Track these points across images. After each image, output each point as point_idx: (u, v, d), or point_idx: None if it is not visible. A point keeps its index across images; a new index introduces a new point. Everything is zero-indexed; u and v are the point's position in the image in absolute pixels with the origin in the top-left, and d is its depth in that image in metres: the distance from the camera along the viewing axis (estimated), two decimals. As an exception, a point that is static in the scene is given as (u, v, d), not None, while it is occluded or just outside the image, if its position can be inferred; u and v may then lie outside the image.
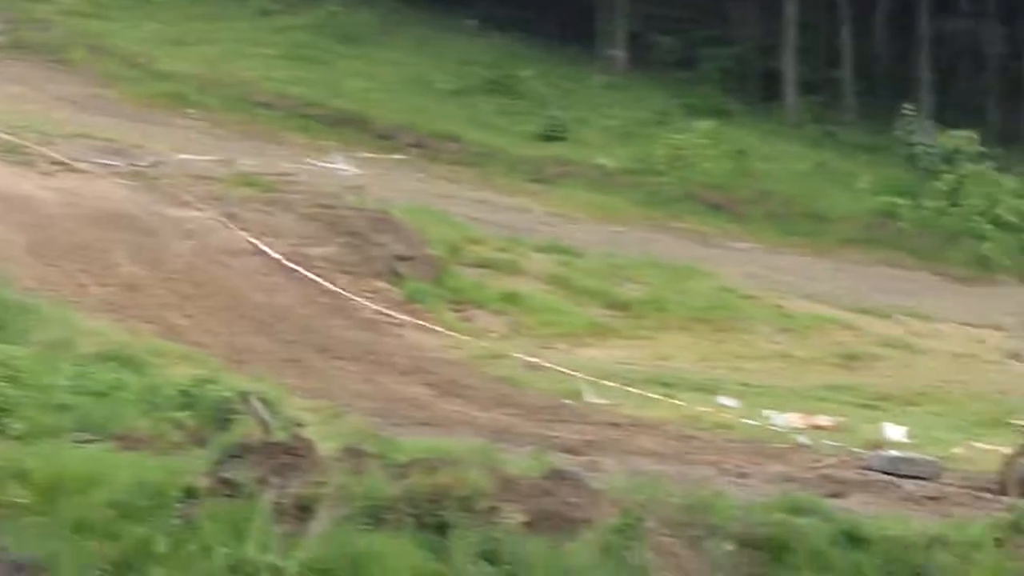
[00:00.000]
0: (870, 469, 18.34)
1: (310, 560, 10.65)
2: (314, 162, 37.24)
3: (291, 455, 12.07)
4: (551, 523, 11.72)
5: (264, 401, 14.16)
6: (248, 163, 34.13)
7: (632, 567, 11.33)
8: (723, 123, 44.28)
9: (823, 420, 21.61)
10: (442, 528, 11.10)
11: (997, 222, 40.61)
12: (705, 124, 43.02)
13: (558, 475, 12.64)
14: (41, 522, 11.37)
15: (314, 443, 12.36)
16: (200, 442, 13.09)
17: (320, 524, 11.19)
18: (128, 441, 13.12)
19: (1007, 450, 19.24)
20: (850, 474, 17.83)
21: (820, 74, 50.92)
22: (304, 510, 11.40)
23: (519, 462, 13.34)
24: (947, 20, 49.33)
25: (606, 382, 22.61)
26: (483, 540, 11.04)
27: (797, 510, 13.08)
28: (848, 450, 19.52)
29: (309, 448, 12.28)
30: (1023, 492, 17.24)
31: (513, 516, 11.57)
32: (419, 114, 43.49)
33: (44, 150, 31.85)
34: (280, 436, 12.88)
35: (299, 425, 14.20)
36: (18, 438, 12.74)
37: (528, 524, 11.59)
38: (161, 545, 11.15)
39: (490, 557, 10.93)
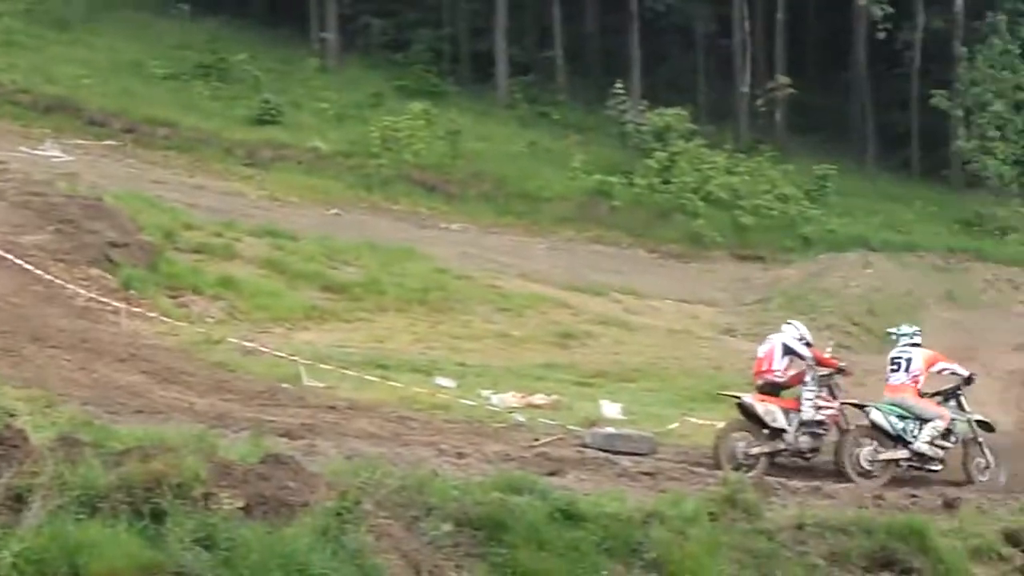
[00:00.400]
0: (587, 446, 18.38)
1: (24, 552, 10.14)
2: (26, 150, 36.21)
3: (3, 446, 11.54)
4: (268, 508, 11.44)
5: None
6: (-43, 152, 33.01)
7: (349, 550, 11.04)
8: (436, 105, 44.30)
9: (540, 399, 21.62)
10: (158, 516, 10.73)
11: (709, 199, 41.43)
12: (418, 106, 42.97)
13: (275, 460, 12.37)
14: None
15: (27, 433, 11.79)
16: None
17: (34, 515, 10.72)
18: None
19: (720, 425, 19.49)
20: (567, 452, 17.85)
21: (532, 55, 51.26)
22: (18, 501, 10.89)
23: (236, 447, 13.06)
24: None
25: (323, 365, 22.38)
26: (199, 526, 10.70)
27: (514, 489, 12.94)
28: (565, 428, 19.54)
29: (22, 438, 11.75)
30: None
31: (230, 502, 11.26)
32: (132, 100, 42.72)
33: None
34: (-8, 427, 12.29)
35: (11, 415, 13.58)
36: None
37: (245, 509, 11.29)
38: None
39: (206, 543, 10.58)
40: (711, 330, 30.38)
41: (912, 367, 19.69)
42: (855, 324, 31.41)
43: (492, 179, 41.46)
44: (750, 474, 17.22)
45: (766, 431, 18.69)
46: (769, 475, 17.69)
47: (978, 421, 19.68)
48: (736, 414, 19.26)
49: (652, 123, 43.26)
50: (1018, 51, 46.38)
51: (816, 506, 15.05)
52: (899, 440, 18.83)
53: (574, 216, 40.56)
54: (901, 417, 18.98)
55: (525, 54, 51.05)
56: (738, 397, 19.37)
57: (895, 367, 19.87)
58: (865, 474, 18.47)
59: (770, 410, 18.82)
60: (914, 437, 18.81)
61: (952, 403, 19.55)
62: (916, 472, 18.93)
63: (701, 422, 21.33)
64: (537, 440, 18.66)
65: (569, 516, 12.57)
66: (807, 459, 18.97)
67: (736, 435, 18.79)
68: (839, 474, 18.43)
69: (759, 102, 48.69)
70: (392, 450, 16.14)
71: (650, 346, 27.78)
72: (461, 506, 12.32)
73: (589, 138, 45.80)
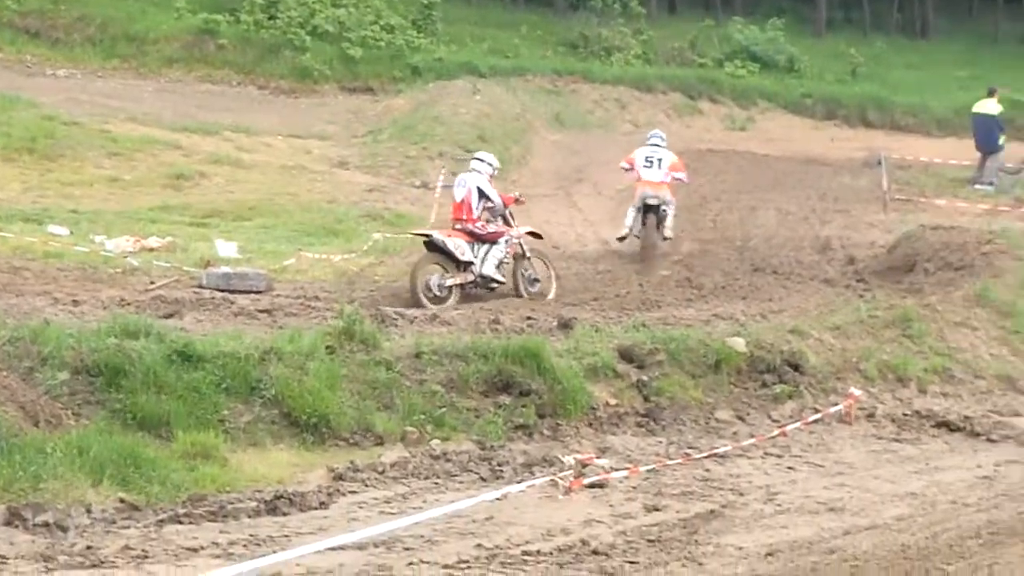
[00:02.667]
0: (203, 287, 18.34)
1: None
2: None
3: None
4: None
5: None
6: None
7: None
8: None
9: (154, 241, 21.41)
10: None
11: (315, 32, 41.15)
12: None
13: None
14: None
15: None
16: None
17: None
18: None
19: (340, 256, 19.70)
20: (184, 293, 17.77)
21: None
22: None
23: None
24: None
25: (-74, 220, 21.58)
26: None
27: (130, 333, 12.86)
28: (181, 269, 19.44)
29: None
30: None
31: None
32: None
33: None
34: None
35: None
36: None
37: None
38: None
39: None
40: (324, 164, 30.39)
41: (664, 165, 24.43)
42: (466, 151, 31.80)
43: (97, 22, 40.25)
44: (447, 303, 19.12)
45: (457, 264, 19.94)
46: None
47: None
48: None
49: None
50: None
51: (433, 334, 15.32)
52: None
53: (182, 56, 39.81)
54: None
55: None
56: (428, 235, 20.39)
57: (649, 164, 24.45)
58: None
59: (458, 244, 20.11)
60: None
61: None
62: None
63: (317, 256, 21.49)
64: (153, 283, 18.55)
65: (187, 357, 12.59)
66: (492, 288, 20.38)
67: (430, 268, 19.77)
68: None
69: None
70: (5, 302, 15.81)
71: (264, 183, 27.68)
72: (77, 353, 12.22)
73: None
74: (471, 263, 20.08)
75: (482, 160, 21.64)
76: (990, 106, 34.10)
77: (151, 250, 20.93)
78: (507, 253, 20.72)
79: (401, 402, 13.31)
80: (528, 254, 21.14)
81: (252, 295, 17.91)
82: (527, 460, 12.77)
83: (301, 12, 41.50)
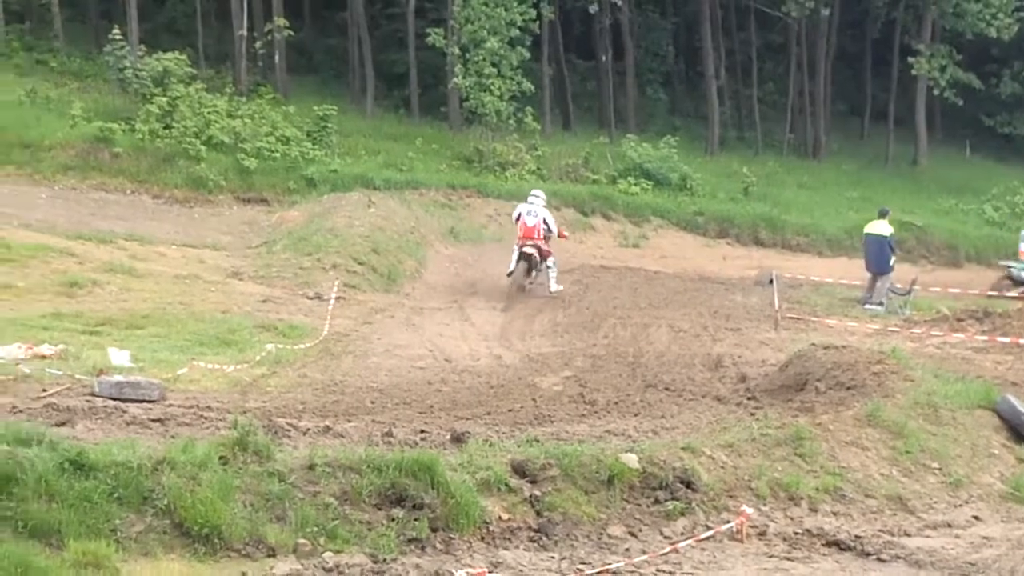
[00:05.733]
0: (95, 395, 18.16)
1: None
2: None
3: None
4: None
5: None
6: None
7: None
8: None
9: (47, 349, 21.14)
10: None
11: (211, 143, 41.22)
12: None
13: None
14: None
15: None
16: None
17: None
18: None
19: (234, 366, 19.59)
20: (76, 402, 17.56)
21: (27, 1, 49.79)
22: None
23: None
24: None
25: None
26: None
27: (22, 441, 12.75)
28: (73, 377, 19.23)
29: None
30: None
31: None
32: None
33: None
34: None
35: None
36: None
37: None
38: None
39: None
40: (218, 274, 30.28)
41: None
42: (360, 263, 31.88)
43: (-11, 129, 40.11)
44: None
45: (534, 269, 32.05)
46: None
47: None
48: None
49: (151, 68, 42.67)
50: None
51: (327, 445, 15.27)
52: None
53: (76, 164, 39.65)
54: None
55: (19, 1, 49.56)
56: (529, 252, 31.79)
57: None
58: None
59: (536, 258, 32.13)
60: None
61: None
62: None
63: (210, 366, 21.37)
64: (45, 391, 18.35)
65: (79, 466, 12.48)
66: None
67: (522, 269, 31.76)
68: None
69: (258, 45, 48.65)
70: None
71: (157, 292, 27.51)
72: (-35, 462, 12.10)
73: (89, 85, 44.91)
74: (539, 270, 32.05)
75: (539, 196, 33.15)
76: (882, 227, 34.71)
77: (43, 357, 20.69)
78: (555, 264, 32.33)
79: (294, 514, 13.25)
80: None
81: (145, 404, 17.77)
82: (419, 574, 12.74)
83: (196, 122, 41.58)
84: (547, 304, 30.81)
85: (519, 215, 32.74)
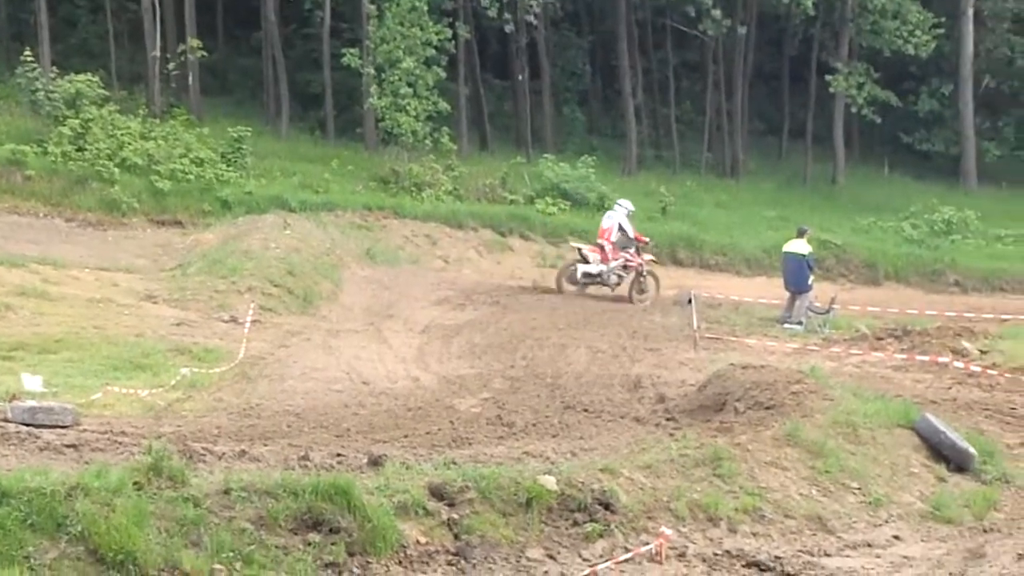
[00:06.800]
0: (8, 420, 17.91)
1: None
2: None
3: None
4: None
5: None
6: None
7: None
8: None
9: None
10: None
11: (124, 165, 41.00)
12: None
13: None
14: None
15: None
16: None
17: None
18: None
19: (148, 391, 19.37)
20: (-13, 428, 17.31)
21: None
22: None
23: None
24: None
25: None
26: None
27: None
28: (-15, 403, 18.96)
29: None
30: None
31: None
32: None
33: None
34: None
35: None
36: None
37: None
38: None
39: None
40: (132, 297, 30.00)
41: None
42: (276, 285, 31.66)
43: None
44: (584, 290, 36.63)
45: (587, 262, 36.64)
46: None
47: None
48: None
49: (63, 90, 42.31)
50: (426, 7, 47.54)
51: (243, 470, 15.13)
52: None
53: (-13, 186, 39.31)
54: None
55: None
56: (579, 248, 37.24)
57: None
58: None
59: (594, 256, 36.78)
60: None
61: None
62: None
63: (124, 391, 21.16)
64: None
65: (-9, 494, 12.31)
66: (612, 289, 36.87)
67: (573, 267, 36.90)
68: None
69: (171, 66, 48.32)
70: None
71: (71, 316, 27.22)
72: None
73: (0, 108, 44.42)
74: (600, 272, 36.71)
75: (622, 205, 38.31)
76: (800, 246, 34.93)
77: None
78: (623, 269, 36.74)
79: (209, 539, 13.08)
80: (644, 274, 37.11)
81: (58, 430, 17.53)
82: (337, 599, 12.64)
83: (110, 144, 41.29)
84: (464, 326, 30.71)
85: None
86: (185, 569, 12.68)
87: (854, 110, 59.64)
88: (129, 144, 41.65)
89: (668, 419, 21.72)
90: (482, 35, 58.81)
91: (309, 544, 13.59)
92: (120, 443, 17.03)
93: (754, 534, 16.33)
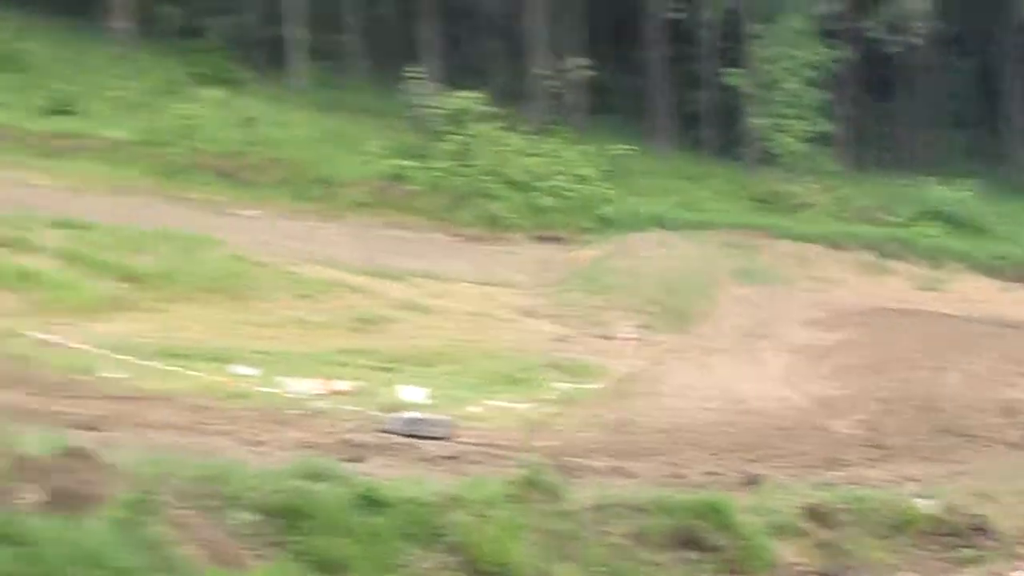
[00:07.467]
0: (388, 432, 18.41)
1: None
2: None
3: None
4: (68, 501, 11.30)
5: None
6: None
7: (148, 541, 10.96)
8: (231, 91, 43.83)
9: (340, 385, 21.58)
10: (-44, 511, 10.55)
11: (506, 181, 41.53)
12: (213, 93, 42.47)
13: (75, 453, 12.24)
14: None
15: None
16: None
17: None
18: None
19: (524, 405, 19.75)
20: (368, 438, 17.87)
21: (327, 39, 50.93)
22: None
23: (36, 441, 12.78)
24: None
25: (120, 356, 22.02)
26: (-1, 522, 10.53)
27: (314, 476, 12.93)
28: (366, 414, 19.54)
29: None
30: None
31: (29, 496, 11.14)
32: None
33: None
34: None
35: None
36: None
37: (46, 503, 11.17)
38: None
39: (6, 539, 10.41)
40: (511, 312, 30.52)
41: None
42: (652, 303, 31.81)
43: (287, 165, 41.10)
44: None
45: None
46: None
47: None
48: None
49: (448, 106, 43.27)
50: (812, 29, 47.06)
51: (617, 486, 15.23)
52: None
53: (370, 201, 40.40)
54: None
55: (320, 39, 50.77)
56: None
57: None
58: None
59: None
60: None
61: None
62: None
63: (500, 404, 21.50)
64: (337, 426, 18.68)
65: (370, 502, 12.59)
66: None
67: None
68: None
69: (555, 84, 48.91)
70: (190, 439, 16.03)
71: (450, 330, 27.84)
72: (261, 494, 12.29)
73: (385, 123, 45.61)
74: None
75: None
76: None
77: (337, 393, 21.09)
78: None
79: (583, 553, 13.19)
80: None
81: (436, 441, 17.95)
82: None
83: (492, 160, 41.96)
84: (836, 347, 30.24)
85: None
86: (558, 582, 12.81)
87: None
88: (511, 160, 42.30)
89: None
90: (862, 55, 57.80)
91: (681, 561, 13.57)
92: (496, 456, 17.32)
93: None
